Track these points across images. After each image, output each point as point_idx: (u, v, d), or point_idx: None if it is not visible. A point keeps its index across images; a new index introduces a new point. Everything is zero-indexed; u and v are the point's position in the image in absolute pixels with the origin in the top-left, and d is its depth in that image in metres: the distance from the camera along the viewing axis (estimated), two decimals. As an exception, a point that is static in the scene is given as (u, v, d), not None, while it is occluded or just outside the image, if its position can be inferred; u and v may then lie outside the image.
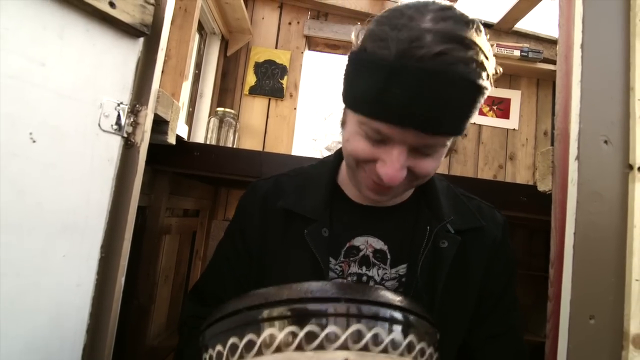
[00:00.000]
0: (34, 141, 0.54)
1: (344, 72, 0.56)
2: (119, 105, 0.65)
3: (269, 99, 2.16)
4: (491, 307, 0.68)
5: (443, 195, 0.68)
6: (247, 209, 0.71)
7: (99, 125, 0.62)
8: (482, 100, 0.52)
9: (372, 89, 0.49)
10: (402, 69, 0.47)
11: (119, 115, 0.64)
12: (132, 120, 0.67)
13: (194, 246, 1.89)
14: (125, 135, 0.66)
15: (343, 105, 0.59)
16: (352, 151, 0.56)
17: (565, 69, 0.70)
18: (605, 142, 0.60)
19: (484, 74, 0.50)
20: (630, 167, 0.59)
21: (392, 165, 0.51)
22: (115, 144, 0.65)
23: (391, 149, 0.52)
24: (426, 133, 0.50)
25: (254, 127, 2.15)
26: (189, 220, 1.82)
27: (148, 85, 0.69)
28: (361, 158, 0.55)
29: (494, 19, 2.22)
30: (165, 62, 1.47)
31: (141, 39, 0.69)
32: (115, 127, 0.64)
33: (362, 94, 0.51)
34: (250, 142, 2.12)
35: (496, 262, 0.67)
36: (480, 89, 0.50)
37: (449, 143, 0.55)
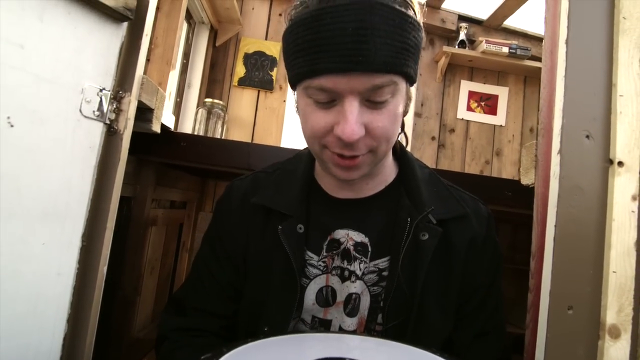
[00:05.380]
0: (12, 125, 0.52)
1: (284, 56, 0.56)
2: (101, 90, 0.63)
3: (258, 91, 2.15)
4: (479, 303, 0.65)
5: (424, 182, 0.66)
6: (224, 211, 0.69)
7: (80, 110, 0.61)
8: (415, 34, 0.51)
9: (304, 47, 0.50)
10: (323, 12, 0.48)
11: (101, 101, 0.63)
12: (114, 106, 0.65)
13: (181, 238, 1.87)
14: (107, 122, 0.65)
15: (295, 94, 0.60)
16: (310, 128, 0.55)
17: (550, 65, 0.71)
18: (587, 136, 0.61)
19: (405, 5, 0.51)
20: (611, 162, 0.60)
21: (346, 120, 0.50)
22: (97, 130, 0.64)
23: (342, 106, 0.51)
24: (365, 71, 0.49)
25: (242, 119, 2.13)
26: (175, 212, 1.80)
27: (132, 72, 0.67)
28: (320, 130, 0.54)
29: (483, 15, 2.24)
30: (151, 50, 1.45)
31: (125, 24, 0.67)
32: (97, 113, 0.63)
33: (298, 59, 0.51)
34: (239, 134, 2.10)
35: (479, 256, 0.65)
36: (403, 15, 0.49)
37: (399, 94, 0.54)
